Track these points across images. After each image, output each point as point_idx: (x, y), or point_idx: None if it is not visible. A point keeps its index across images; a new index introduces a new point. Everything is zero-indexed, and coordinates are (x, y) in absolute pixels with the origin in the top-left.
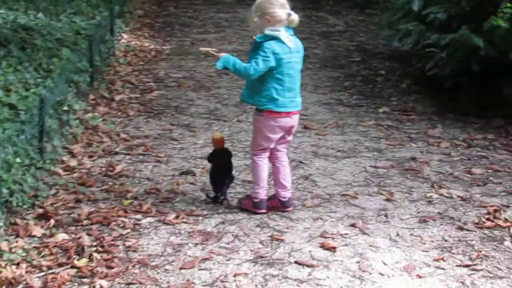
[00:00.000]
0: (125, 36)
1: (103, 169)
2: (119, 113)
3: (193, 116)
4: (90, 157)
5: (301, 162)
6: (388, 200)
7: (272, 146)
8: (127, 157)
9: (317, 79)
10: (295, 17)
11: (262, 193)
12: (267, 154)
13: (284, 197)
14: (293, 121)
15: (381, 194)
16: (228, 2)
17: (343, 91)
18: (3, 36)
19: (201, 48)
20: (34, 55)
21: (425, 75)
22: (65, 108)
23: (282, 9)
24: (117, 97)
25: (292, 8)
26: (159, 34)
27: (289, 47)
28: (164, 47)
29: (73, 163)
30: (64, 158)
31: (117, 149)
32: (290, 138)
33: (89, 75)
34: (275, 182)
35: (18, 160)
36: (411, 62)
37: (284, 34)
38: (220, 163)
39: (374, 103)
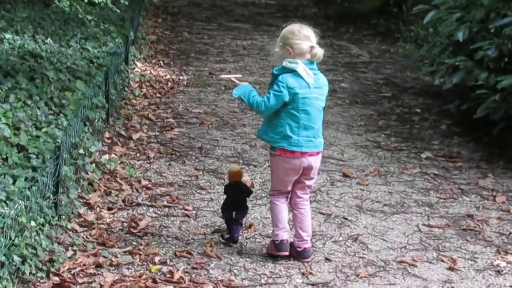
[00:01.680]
0: (139, 64)
1: (125, 224)
2: (138, 155)
3: (220, 160)
4: (109, 209)
5: (346, 219)
6: (451, 269)
7: (288, 189)
8: (151, 209)
9: (349, 117)
10: (318, 51)
11: (283, 234)
12: (285, 196)
13: (299, 247)
14: (309, 163)
15: (442, 261)
16: (244, 28)
17: (379, 131)
18: (10, 64)
19: (223, 75)
20: (44, 87)
21: (466, 115)
22: (81, 151)
23: (305, 41)
24: (135, 136)
25: (319, 43)
26: (174, 62)
27: (307, 82)
28: (181, 78)
29: (91, 217)
30: (81, 211)
31: (139, 199)
32: (309, 183)
33: (106, 111)
34: (294, 230)
35: (31, 220)
36: (446, 99)
37: (303, 67)
38: (232, 196)
39: (415, 147)
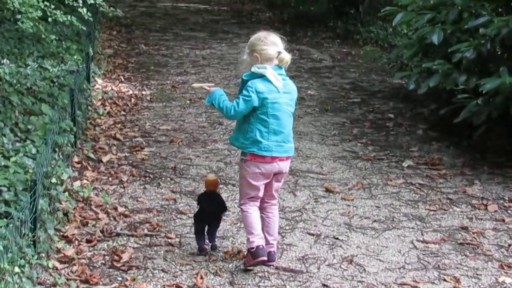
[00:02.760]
0: (99, 81)
1: (107, 257)
2: (111, 179)
3: (196, 180)
4: (88, 241)
5: (337, 238)
6: None
7: (259, 194)
8: (132, 239)
9: (321, 126)
10: (285, 56)
11: (258, 241)
12: (255, 202)
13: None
14: (280, 168)
15: (445, 280)
16: (200, 37)
17: (354, 140)
18: None
19: (194, 84)
20: (8, 111)
21: (443, 119)
22: (53, 180)
23: (272, 47)
24: (105, 158)
25: (286, 49)
26: (134, 76)
27: (275, 87)
28: (144, 92)
29: (70, 251)
30: (59, 245)
31: (118, 229)
32: (277, 187)
33: (73, 134)
34: None
35: (11, 263)
36: (418, 102)
37: (271, 72)
38: (207, 207)
39: (394, 155)
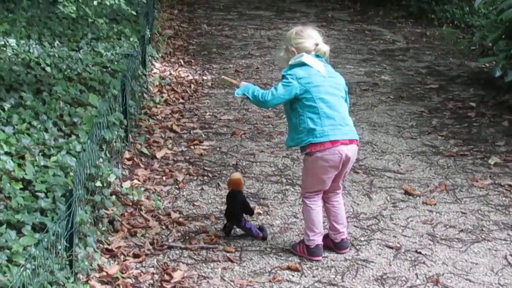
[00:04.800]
0: (157, 65)
1: (156, 276)
2: (164, 178)
3: (259, 180)
4: (136, 256)
5: (419, 253)
6: None
7: (326, 187)
8: (185, 253)
9: (397, 116)
10: (323, 47)
11: (317, 239)
12: (319, 196)
13: (336, 239)
14: (346, 155)
15: None
16: (266, 16)
17: (434, 132)
18: (13, 76)
19: (224, 77)
20: (52, 102)
21: None
22: (98, 183)
23: (309, 40)
24: (159, 154)
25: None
26: (195, 59)
27: (318, 70)
28: (205, 78)
29: (114, 269)
30: (101, 262)
31: (170, 240)
32: (341, 179)
33: (124, 127)
34: (329, 223)
35: None
36: (500, 88)
37: (309, 57)
38: (229, 207)
39: (479, 150)
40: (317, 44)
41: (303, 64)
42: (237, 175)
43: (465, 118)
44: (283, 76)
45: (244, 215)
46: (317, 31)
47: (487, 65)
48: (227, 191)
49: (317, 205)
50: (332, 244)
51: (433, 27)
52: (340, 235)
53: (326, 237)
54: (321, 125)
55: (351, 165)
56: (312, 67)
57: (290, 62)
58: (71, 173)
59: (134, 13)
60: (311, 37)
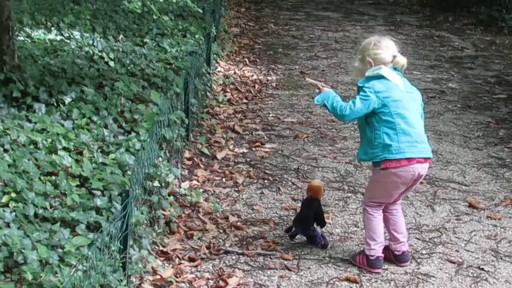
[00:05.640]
0: (221, 63)
1: (210, 282)
2: (224, 180)
3: None
4: (191, 260)
5: (482, 269)
6: None
7: (391, 201)
8: (242, 259)
9: (463, 125)
10: (401, 59)
11: (378, 250)
12: (381, 207)
13: (398, 251)
14: (419, 173)
15: None
16: (334, 18)
17: (501, 144)
18: (76, 69)
19: (308, 79)
20: (114, 98)
21: None
22: (156, 183)
23: (387, 51)
24: (220, 154)
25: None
26: (260, 59)
27: (396, 84)
28: (269, 78)
29: (168, 273)
30: (155, 264)
31: (226, 245)
32: (409, 191)
33: (185, 126)
34: (389, 233)
35: None
36: None
37: (387, 70)
38: (303, 212)
39: None
40: (395, 56)
41: (381, 77)
42: (318, 182)
43: None
44: (359, 88)
45: (315, 225)
46: (394, 42)
47: None
48: (304, 196)
49: (379, 214)
50: (392, 257)
51: (503, 36)
52: (400, 245)
53: (386, 249)
54: (398, 141)
55: (418, 182)
56: (390, 80)
57: (367, 74)
58: (129, 172)
59: (200, 11)
60: (389, 48)
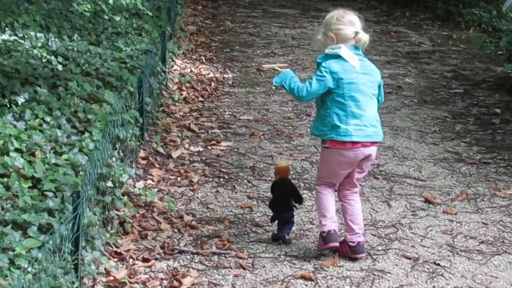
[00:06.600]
0: (177, 62)
1: (165, 282)
2: (179, 179)
3: None
4: (145, 260)
5: (437, 264)
6: None
7: (337, 182)
8: (197, 258)
9: (420, 120)
10: (363, 36)
11: (330, 225)
12: (332, 187)
13: (353, 242)
14: (365, 155)
15: None
16: (291, 14)
17: (457, 139)
18: (29, 69)
19: (265, 65)
20: (67, 98)
21: None
22: (109, 183)
23: (350, 27)
24: (175, 153)
25: (365, 29)
26: (217, 57)
27: (352, 66)
28: (226, 76)
29: (122, 273)
30: (108, 266)
31: (181, 244)
32: (360, 176)
33: (140, 126)
34: (345, 223)
35: None
36: None
37: (346, 51)
38: (278, 195)
39: (502, 159)
40: (357, 33)
41: (339, 57)
42: (284, 162)
43: (490, 124)
44: (318, 65)
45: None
46: (358, 17)
47: None
48: (273, 180)
49: (328, 192)
50: (348, 249)
51: (460, 30)
52: (356, 236)
53: (342, 243)
54: (346, 123)
55: (370, 164)
56: (348, 62)
57: (326, 51)
58: (82, 172)
59: (150, 13)
60: (352, 23)
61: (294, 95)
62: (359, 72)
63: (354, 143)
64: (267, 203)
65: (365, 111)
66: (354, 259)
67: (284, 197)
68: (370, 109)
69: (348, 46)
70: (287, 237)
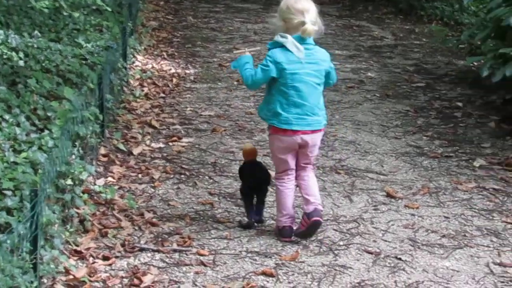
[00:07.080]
0: (139, 57)
1: (125, 280)
2: (140, 176)
3: (238, 180)
4: (105, 258)
5: (399, 259)
6: None
7: (291, 166)
8: (157, 256)
9: (382, 115)
10: (308, 27)
11: (285, 221)
12: (290, 177)
13: (308, 210)
14: (304, 141)
15: None
16: (253, 9)
17: (419, 133)
18: None
19: (235, 51)
20: (27, 96)
21: None
22: (69, 181)
23: (298, 16)
24: (136, 150)
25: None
26: (179, 52)
27: (297, 57)
28: (188, 71)
29: (82, 272)
30: (67, 264)
31: (141, 242)
32: (308, 160)
33: (100, 123)
34: (302, 198)
35: None
36: (488, 88)
37: (292, 42)
38: (250, 179)
39: (464, 152)
40: (303, 23)
41: (284, 46)
42: (250, 144)
43: (451, 118)
44: (268, 50)
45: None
46: (312, 5)
47: (475, 64)
48: (241, 163)
49: (285, 187)
50: (306, 218)
51: (422, 24)
52: (312, 205)
53: (302, 217)
54: (288, 112)
55: (315, 149)
56: (293, 53)
57: (275, 38)
58: (41, 171)
59: (109, 9)
60: (301, 13)
61: (244, 82)
62: (303, 62)
63: (294, 131)
64: (229, 199)
65: (307, 101)
66: (313, 227)
67: (259, 178)
68: (312, 99)
69: (295, 36)
70: (262, 217)
